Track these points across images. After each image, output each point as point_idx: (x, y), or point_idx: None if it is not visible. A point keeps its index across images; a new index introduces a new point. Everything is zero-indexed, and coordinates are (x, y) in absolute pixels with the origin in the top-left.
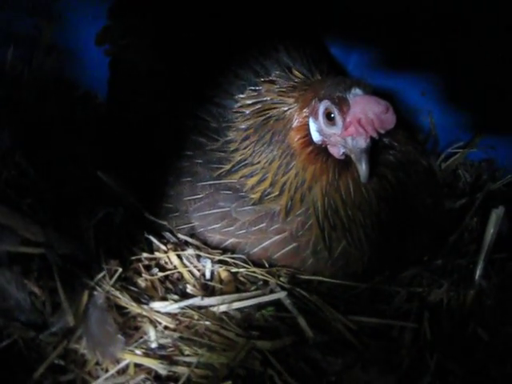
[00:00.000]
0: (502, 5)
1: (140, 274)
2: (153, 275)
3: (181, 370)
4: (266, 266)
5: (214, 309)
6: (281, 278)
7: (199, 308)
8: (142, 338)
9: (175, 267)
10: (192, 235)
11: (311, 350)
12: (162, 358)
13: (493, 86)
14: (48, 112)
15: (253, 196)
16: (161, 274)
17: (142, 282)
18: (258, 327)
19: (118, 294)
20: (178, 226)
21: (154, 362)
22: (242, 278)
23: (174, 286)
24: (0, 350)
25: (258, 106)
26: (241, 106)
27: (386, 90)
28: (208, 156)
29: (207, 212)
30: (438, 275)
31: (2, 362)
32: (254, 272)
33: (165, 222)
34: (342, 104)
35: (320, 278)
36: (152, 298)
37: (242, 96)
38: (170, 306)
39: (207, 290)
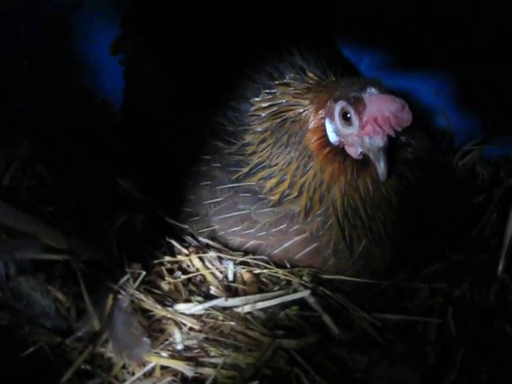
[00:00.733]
0: None
1: (163, 278)
2: (176, 278)
3: (207, 371)
4: (288, 266)
5: (239, 309)
6: (303, 278)
7: (223, 309)
8: (167, 340)
9: (197, 270)
10: (213, 238)
11: (337, 347)
12: (188, 359)
13: (506, 82)
14: (66, 121)
15: (272, 198)
16: (184, 277)
17: (165, 286)
18: (282, 326)
19: (142, 297)
20: (199, 230)
21: (180, 363)
22: (264, 279)
23: (197, 289)
24: (26, 356)
25: (274, 108)
26: (256, 109)
27: (399, 91)
28: (226, 159)
29: (227, 215)
30: (460, 271)
31: (28, 368)
32: (276, 272)
33: (186, 226)
34: (358, 104)
35: (342, 277)
36: (176, 301)
37: (257, 99)
38: (195, 308)
39: (230, 291)
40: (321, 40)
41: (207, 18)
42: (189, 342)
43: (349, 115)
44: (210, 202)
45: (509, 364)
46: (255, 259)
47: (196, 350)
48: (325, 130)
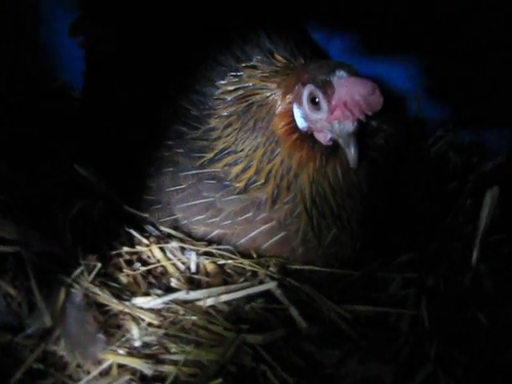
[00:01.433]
0: None
1: (121, 270)
2: (135, 270)
3: (167, 369)
4: (255, 256)
5: (201, 303)
6: (270, 268)
7: (185, 302)
8: (124, 336)
9: (158, 261)
10: (176, 228)
11: (305, 342)
12: (146, 356)
13: (479, 67)
14: (21, 105)
15: (238, 185)
16: (143, 269)
17: (123, 278)
18: (247, 320)
19: (97, 290)
20: (161, 219)
21: (138, 361)
22: (229, 270)
23: (157, 281)
24: None
25: (240, 92)
26: (222, 93)
27: (370, 75)
28: (189, 145)
29: (191, 203)
30: (433, 260)
31: None
32: (241, 263)
33: (146, 215)
34: (327, 87)
35: (311, 267)
36: (134, 294)
37: (223, 82)
38: (153, 302)
39: (193, 283)
40: (290, 23)
41: None
42: (147, 339)
43: (317, 99)
44: (173, 189)
45: (484, 354)
46: (220, 249)
47: (155, 347)
48: (293, 116)
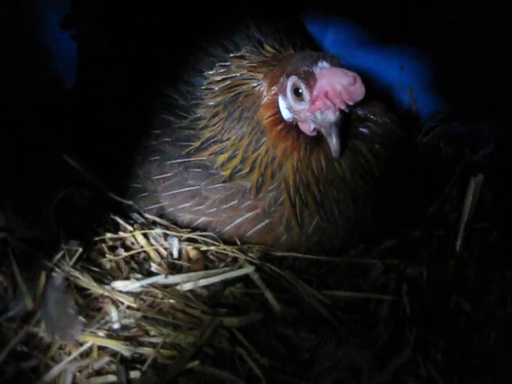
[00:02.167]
0: None
1: (104, 255)
2: (117, 255)
3: (146, 351)
4: (239, 244)
5: (179, 287)
6: (250, 254)
7: (164, 287)
8: (103, 319)
9: (142, 247)
10: (162, 215)
11: (282, 326)
12: (126, 339)
13: (471, 58)
14: (12, 97)
15: (223, 173)
16: (125, 254)
17: (106, 263)
18: (226, 305)
19: (78, 274)
20: (147, 207)
21: (117, 343)
22: (211, 257)
23: (139, 266)
24: None
25: (228, 82)
26: (210, 83)
27: (364, 66)
28: (176, 134)
29: (176, 191)
30: (416, 247)
31: None
32: (224, 250)
33: (130, 202)
34: (309, 78)
35: (294, 254)
36: (116, 279)
37: (210, 72)
38: (132, 285)
39: (175, 268)
40: (281, 13)
41: None
42: (126, 321)
43: (300, 90)
44: (159, 177)
45: (465, 341)
46: (203, 236)
47: (134, 329)
48: (278, 107)
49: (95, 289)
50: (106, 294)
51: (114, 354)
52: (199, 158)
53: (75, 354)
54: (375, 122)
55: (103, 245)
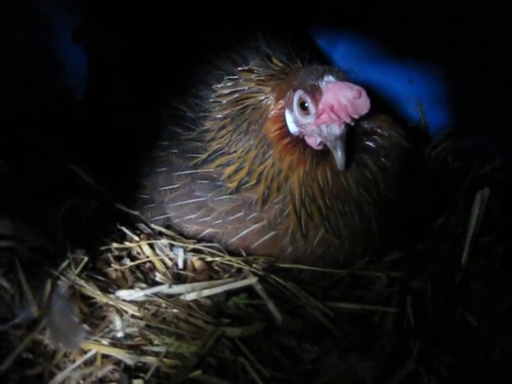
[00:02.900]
0: None
1: (110, 265)
2: (123, 265)
3: (149, 359)
4: (244, 255)
5: (183, 297)
6: (254, 265)
7: (168, 296)
8: (107, 327)
9: (147, 257)
10: (168, 226)
11: (285, 337)
12: (129, 347)
13: (480, 72)
14: (22, 108)
15: (230, 185)
16: (130, 264)
17: (112, 273)
18: (229, 315)
19: (83, 283)
20: (154, 217)
21: (121, 352)
22: (216, 267)
23: (144, 276)
24: None
25: (236, 95)
26: (218, 96)
27: (373, 80)
28: (184, 146)
29: (183, 202)
30: (421, 260)
31: None
32: (229, 261)
33: (136, 213)
34: (315, 92)
35: (299, 266)
36: (121, 288)
37: (219, 86)
38: (136, 294)
39: (180, 279)
40: (290, 27)
41: (171, 3)
42: (129, 330)
43: (306, 104)
44: (166, 188)
45: (470, 355)
46: (208, 247)
47: (137, 338)
48: (285, 120)
49: (100, 297)
50: (111, 302)
51: (117, 362)
52: (206, 169)
53: (79, 361)
54: (381, 135)
55: (109, 254)
